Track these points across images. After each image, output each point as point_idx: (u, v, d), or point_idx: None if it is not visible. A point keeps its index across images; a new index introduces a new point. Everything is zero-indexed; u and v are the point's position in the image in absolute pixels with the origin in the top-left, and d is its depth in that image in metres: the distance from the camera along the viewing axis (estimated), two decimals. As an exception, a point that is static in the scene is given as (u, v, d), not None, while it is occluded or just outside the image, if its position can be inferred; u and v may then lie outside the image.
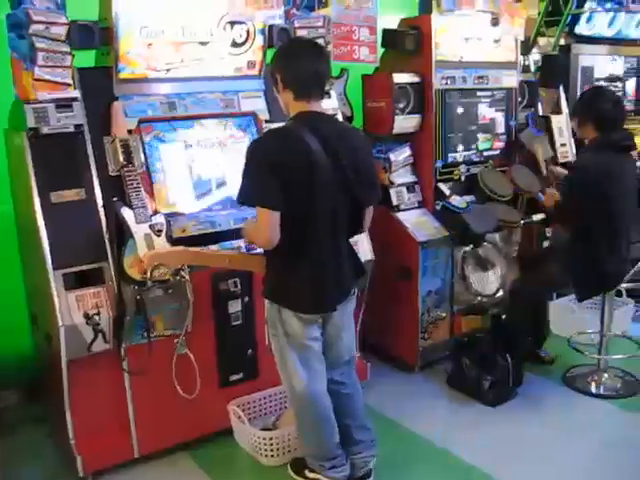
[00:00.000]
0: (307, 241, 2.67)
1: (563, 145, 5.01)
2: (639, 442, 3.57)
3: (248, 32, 3.50)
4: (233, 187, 3.11)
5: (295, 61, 2.69)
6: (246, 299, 3.41)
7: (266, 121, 3.56)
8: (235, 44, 3.49)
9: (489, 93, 4.51)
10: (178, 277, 3.02)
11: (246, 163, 2.61)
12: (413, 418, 3.77)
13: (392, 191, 4.18)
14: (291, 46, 2.94)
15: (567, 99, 5.16)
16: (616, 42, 5.61)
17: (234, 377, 3.50)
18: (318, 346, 2.86)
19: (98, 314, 2.94)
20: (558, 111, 5.12)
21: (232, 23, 3.42)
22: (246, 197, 2.63)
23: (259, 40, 3.54)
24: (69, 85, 3.02)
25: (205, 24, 3.33)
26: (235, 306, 3.40)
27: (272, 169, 2.54)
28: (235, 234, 3.21)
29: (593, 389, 4.10)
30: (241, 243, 3.24)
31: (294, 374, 2.85)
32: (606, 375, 4.15)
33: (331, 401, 2.95)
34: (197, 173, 3.40)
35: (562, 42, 5.28)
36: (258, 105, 3.60)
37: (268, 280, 2.83)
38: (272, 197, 2.55)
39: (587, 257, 3.82)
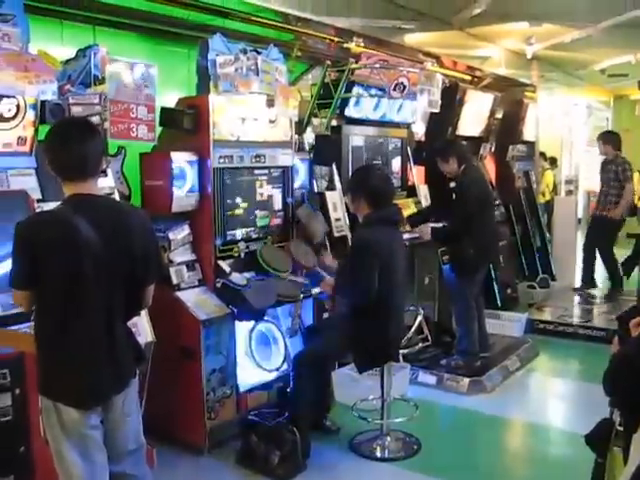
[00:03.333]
0: (75, 330, 2.55)
1: (338, 220, 5.25)
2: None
3: (18, 106, 3.38)
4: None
5: (60, 145, 2.63)
6: (17, 391, 3.13)
7: (38, 200, 3.39)
8: (3, 118, 3.34)
9: (266, 171, 4.63)
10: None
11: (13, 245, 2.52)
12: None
13: (172, 270, 4.12)
14: (56, 129, 2.78)
15: (340, 176, 5.45)
16: (382, 124, 6.06)
17: (4, 480, 3.18)
18: (98, 435, 2.67)
19: None
20: (332, 187, 5.39)
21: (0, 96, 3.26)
22: (9, 278, 2.57)
23: (30, 115, 3.41)
24: None
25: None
26: (4, 400, 3.10)
27: (31, 254, 2.48)
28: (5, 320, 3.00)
29: (378, 453, 4.25)
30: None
31: (71, 467, 2.61)
32: (389, 439, 4.32)
33: None
34: (-42, 257, 3.13)
35: (334, 123, 5.60)
36: (29, 183, 3.43)
37: (38, 373, 2.64)
38: (20, 280, 2.54)
39: (366, 330, 3.98)
